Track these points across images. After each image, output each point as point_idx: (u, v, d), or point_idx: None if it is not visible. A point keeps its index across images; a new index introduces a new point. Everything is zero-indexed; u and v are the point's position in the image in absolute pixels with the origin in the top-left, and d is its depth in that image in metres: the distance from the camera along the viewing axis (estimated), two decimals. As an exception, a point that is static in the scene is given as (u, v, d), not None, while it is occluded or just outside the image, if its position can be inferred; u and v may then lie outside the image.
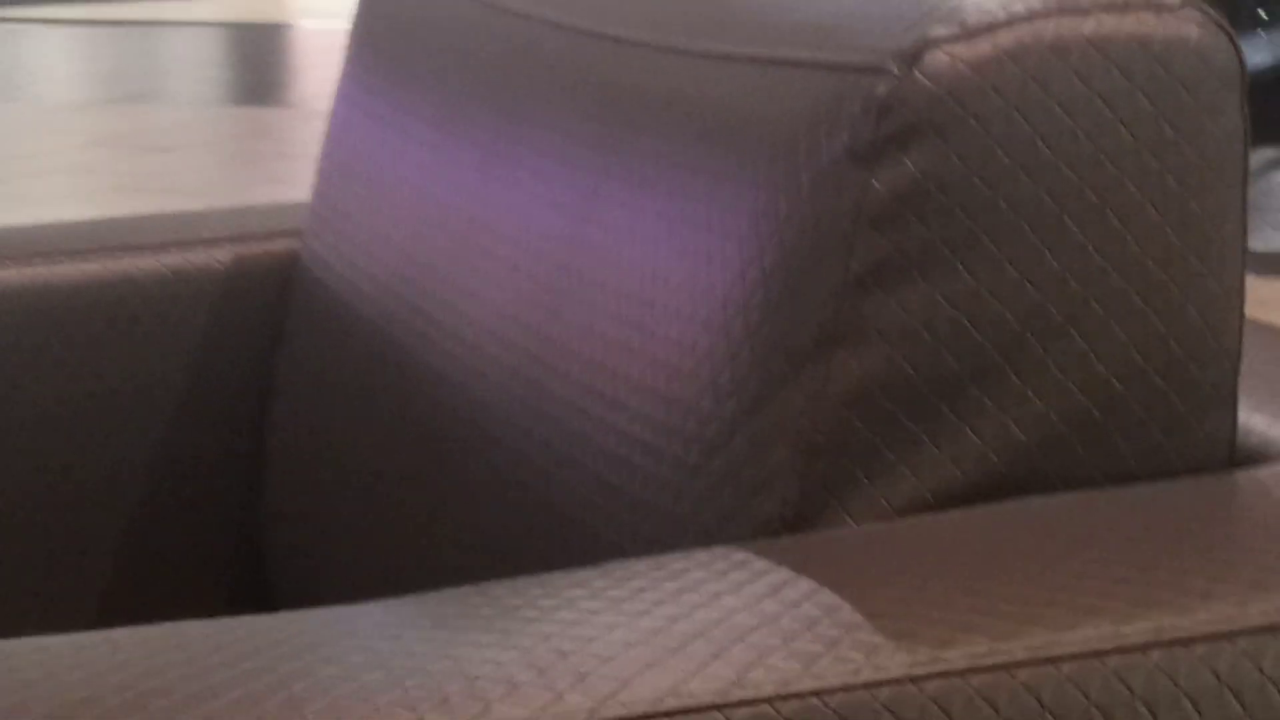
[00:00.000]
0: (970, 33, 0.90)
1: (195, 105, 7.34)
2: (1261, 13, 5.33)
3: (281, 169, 6.04)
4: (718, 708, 0.74)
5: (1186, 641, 0.80)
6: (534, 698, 0.74)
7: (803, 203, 0.91)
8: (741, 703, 0.75)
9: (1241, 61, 0.93)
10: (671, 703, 0.74)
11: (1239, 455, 0.98)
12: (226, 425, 1.45)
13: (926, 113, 0.89)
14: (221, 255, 1.45)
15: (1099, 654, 0.79)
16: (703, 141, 0.98)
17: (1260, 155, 5.20)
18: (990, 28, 0.90)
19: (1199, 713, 0.79)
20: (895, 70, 0.90)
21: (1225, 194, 0.93)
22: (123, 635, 0.79)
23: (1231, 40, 0.93)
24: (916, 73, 0.90)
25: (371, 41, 1.39)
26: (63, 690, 0.73)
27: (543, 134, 1.14)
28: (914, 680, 0.76)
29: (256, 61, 8.59)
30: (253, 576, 1.46)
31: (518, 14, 1.22)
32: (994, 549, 0.86)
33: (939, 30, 0.91)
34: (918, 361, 0.90)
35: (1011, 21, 0.90)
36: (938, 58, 0.90)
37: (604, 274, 1.04)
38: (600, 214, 1.05)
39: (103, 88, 7.56)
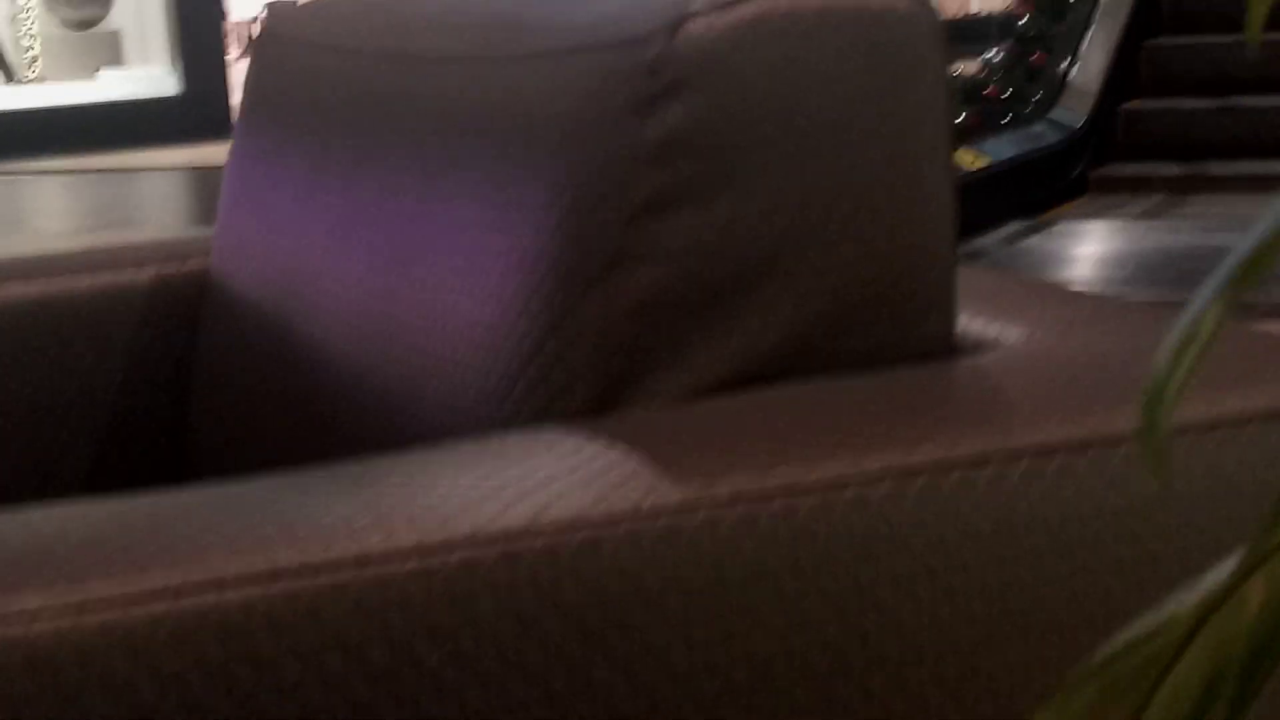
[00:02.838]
0: (719, 6, 0.87)
1: (163, 230, 7.26)
2: None
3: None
4: (531, 534, 0.71)
5: (912, 473, 0.77)
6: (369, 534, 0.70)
7: (590, 151, 0.88)
8: (545, 530, 0.71)
9: (939, 25, 0.90)
10: (493, 530, 0.70)
11: (963, 349, 0.95)
12: (155, 410, 1.39)
13: (686, 71, 0.86)
14: (147, 273, 1.39)
15: (841, 483, 0.75)
16: (509, 125, 0.94)
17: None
18: (735, 2, 0.87)
19: (924, 529, 0.76)
20: (660, 39, 0.87)
21: (933, 133, 0.90)
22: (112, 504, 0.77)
23: (931, 9, 0.91)
24: (678, 40, 0.86)
25: (258, 94, 1.34)
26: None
27: (385, 152, 1.09)
28: (687, 509, 0.73)
29: (207, 195, 8.54)
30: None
31: (357, 51, 1.18)
32: (751, 419, 0.83)
33: (694, 6, 0.87)
34: (689, 277, 0.86)
35: (752, -4, 0.87)
36: (693, 27, 0.86)
37: (435, 240, 0.99)
38: (430, 203, 1.00)
39: (90, 219, 7.45)
